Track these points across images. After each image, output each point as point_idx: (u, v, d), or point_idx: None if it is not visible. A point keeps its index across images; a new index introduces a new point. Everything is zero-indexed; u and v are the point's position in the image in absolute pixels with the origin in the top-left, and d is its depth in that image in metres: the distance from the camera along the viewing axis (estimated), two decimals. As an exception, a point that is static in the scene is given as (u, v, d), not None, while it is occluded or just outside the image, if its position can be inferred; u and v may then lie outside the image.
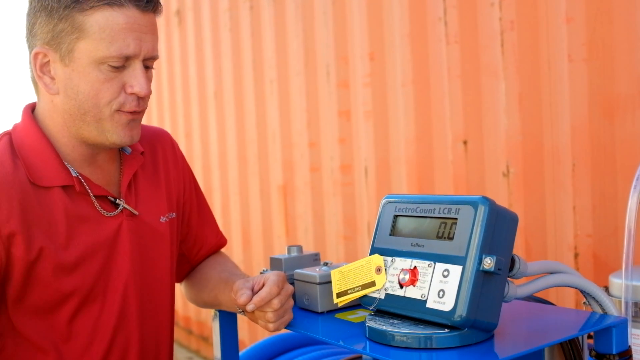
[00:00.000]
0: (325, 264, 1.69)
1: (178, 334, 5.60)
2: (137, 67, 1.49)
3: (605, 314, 1.46)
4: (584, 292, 1.48)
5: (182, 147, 5.24)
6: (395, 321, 1.36)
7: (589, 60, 2.32)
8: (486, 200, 1.29)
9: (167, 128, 5.55)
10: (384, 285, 1.40)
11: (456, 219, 1.32)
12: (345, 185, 3.48)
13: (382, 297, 1.40)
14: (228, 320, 1.84)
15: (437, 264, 1.32)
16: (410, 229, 1.43)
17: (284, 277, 1.55)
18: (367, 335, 1.39)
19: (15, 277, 1.46)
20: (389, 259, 1.42)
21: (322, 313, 1.62)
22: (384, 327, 1.34)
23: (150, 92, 1.52)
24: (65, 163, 1.53)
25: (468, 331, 1.29)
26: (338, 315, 1.60)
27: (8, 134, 1.55)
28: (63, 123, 1.52)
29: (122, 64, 1.47)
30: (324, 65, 3.57)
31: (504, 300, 1.34)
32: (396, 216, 1.46)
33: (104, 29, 1.44)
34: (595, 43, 2.30)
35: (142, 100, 1.52)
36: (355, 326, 1.50)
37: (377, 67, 3.20)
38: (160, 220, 1.68)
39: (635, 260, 1.71)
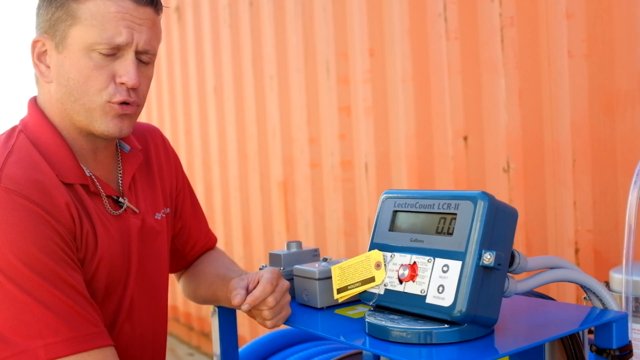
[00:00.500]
0: (325, 259, 1.68)
1: (179, 330, 5.61)
2: (128, 57, 1.48)
3: (605, 309, 1.46)
4: (584, 287, 1.48)
5: (182, 144, 5.25)
6: (395, 317, 1.36)
7: (589, 56, 2.31)
8: (485, 196, 1.29)
9: (167, 124, 5.55)
10: (383, 280, 1.40)
11: (455, 214, 1.32)
12: (346, 181, 3.48)
13: (382, 292, 1.40)
14: (227, 317, 1.84)
15: (436, 259, 1.32)
16: (409, 225, 1.42)
17: (279, 273, 1.54)
18: (366, 331, 1.38)
19: None
20: (389, 254, 1.42)
21: (321, 309, 1.62)
22: (383, 323, 1.33)
23: (139, 84, 1.50)
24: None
25: (468, 326, 1.28)
26: (338, 311, 1.60)
27: (20, 131, 1.52)
28: (59, 113, 1.52)
29: (113, 53, 1.47)
30: (324, 61, 3.57)
31: (504, 295, 1.34)
32: (395, 211, 1.46)
33: (95, 16, 1.44)
34: (595, 39, 2.30)
35: (133, 92, 1.51)
36: (354, 322, 1.50)
37: (377, 63, 3.20)
38: (157, 216, 1.69)
39: (635, 255, 1.71)
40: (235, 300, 1.50)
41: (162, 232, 1.69)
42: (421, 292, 1.32)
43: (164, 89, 5.62)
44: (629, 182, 1.71)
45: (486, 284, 1.27)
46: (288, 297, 1.56)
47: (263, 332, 2.73)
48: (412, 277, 1.34)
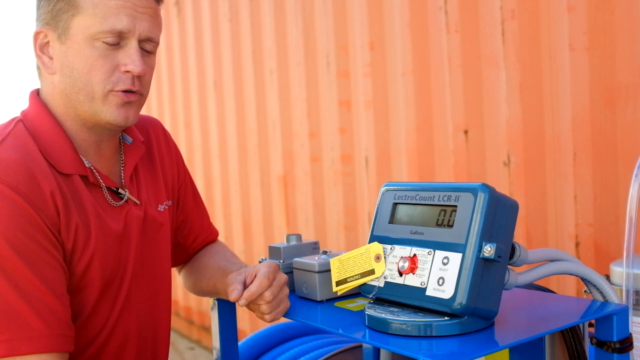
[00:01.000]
0: (325, 252, 1.68)
1: (179, 324, 5.61)
2: (132, 45, 1.49)
3: (606, 302, 1.46)
4: (585, 280, 1.47)
5: (182, 138, 5.24)
6: (395, 309, 1.36)
7: (590, 49, 2.31)
8: (486, 188, 1.28)
9: (167, 118, 5.55)
10: (383, 273, 1.40)
11: (456, 206, 1.31)
12: (346, 175, 3.47)
13: (382, 285, 1.39)
14: (227, 310, 1.84)
15: (436, 251, 1.31)
16: (409, 217, 1.42)
17: (276, 267, 1.54)
18: (366, 324, 1.38)
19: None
20: (389, 246, 1.41)
21: (321, 302, 1.62)
22: (383, 315, 1.33)
23: (144, 71, 1.51)
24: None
25: (468, 319, 1.28)
26: (337, 304, 1.59)
27: (20, 120, 1.52)
28: (63, 105, 1.52)
29: (116, 41, 1.47)
30: (324, 55, 3.56)
31: (504, 287, 1.33)
32: (395, 204, 1.45)
33: (97, 5, 1.45)
34: (596, 32, 2.29)
35: (138, 80, 1.51)
36: (354, 314, 1.50)
37: (377, 56, 3.19)
38: (159, 208, 1.68)
39: (636, 248, 1.70)
40: (233, 296, 1.50)
41: (165, 224, 1.69)
42: (421, 284, 1.32)
43: (164, 83, 5.61)
44: (630, 175, 1.71)
45: (486, 276, 1.27)
46: (286, 291, 1.55)
47: (263, 326, 2.73)
48: (412, 269, 1.34)
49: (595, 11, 2.29)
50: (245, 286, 1.52)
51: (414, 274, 1.34)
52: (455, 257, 1.28)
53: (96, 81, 1.48)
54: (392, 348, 1.29)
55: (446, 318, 1.28)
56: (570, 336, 1.53)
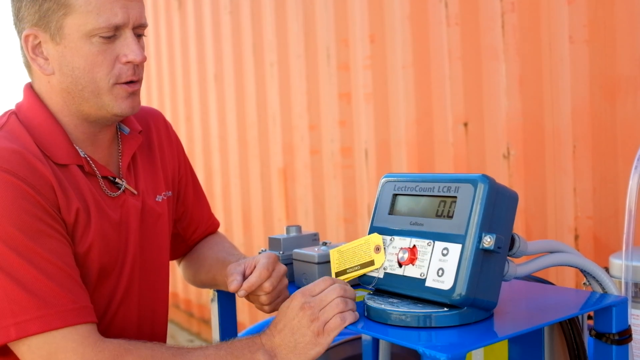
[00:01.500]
0: (324, 243, 1.68)
1: (179, 317, 5.62)
2: (128, 35, 1.49)
3: (605, 294, 1.46)
4: (584, 272, 1.48)
5: (183, 131, 5.24)
6: (394, 300, 1.36)
7: (590, 42, 2.31)
8: (486, 178, 1.29)
9: (168, 111, 5.54)
10: (382, 264, 1.40)
11: (456, 197, 1.32)
12: (346, 167, 3.47)
13: (381, 276, 1.40)
14: (226, 303, 1.84)
15: (436, 242, 1.32)
16: (409, 208, 1.42)
17: (275, 258, 1.54)
18: (365, 315, 1.38)
19: None
20: (388, 237, 1.41)
21: (321, 293, 1.62)
22: (382, 306, 1.33)
23: (145, 59, 1.52)
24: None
25: (467, 310, 1.28)
26: (337, 295, 1.59)
27: (13, 112, 1.53)
28: (63, 102, 1.52)
29: (112, 34, 1.47)
30: (324, 48, 3.55)
31: (504, 279, 1.34)
32: (395, 195, 1.46)
33: (89, 1, 1.44)
34: (596, 24, 2.29)
35: (138, 67, 1.52)
36: (354, 305, 1.50)
37: (377, 49, 3.18)
38: (157, 199, 1.68)
39: (635, 241, 1.71)
40: (232, 286, 1.50)
41: (163, 215, 1.69)
42: (421, 275, 1.32)
43: (165, 76, 5.61)
44: (630, 168, 1.71)
45: (486, 267, 1.27)
46: (285, 282, 1.56)
47: (262, 318, 2.73)
48: (412, 260, 1.34)
49: (595, 4, 2.28)
50: (244, 277, 1.52)
51: (413, 265, 1.34)
52: (455, 248, 1.28)
53: (100, 76, 1.48)
54: (392, 339, 1.30)
55: (445, 309, 1.28)
56: (569, 328, 1.53)
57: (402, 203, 1.44)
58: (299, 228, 1.80)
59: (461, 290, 1.25)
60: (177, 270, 1.98)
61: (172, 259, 1.89)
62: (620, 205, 2.28)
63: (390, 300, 1.36)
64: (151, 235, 1.65)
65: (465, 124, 2.75)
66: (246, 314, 4.35)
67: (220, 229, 1.99)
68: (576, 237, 2.39)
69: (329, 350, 2.03)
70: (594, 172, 2.33)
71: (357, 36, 3.31)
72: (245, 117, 4.42)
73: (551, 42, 2.42)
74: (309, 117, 3.74)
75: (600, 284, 1.47)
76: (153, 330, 1.69)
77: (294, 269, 1.69)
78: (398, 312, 1.31)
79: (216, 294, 1.83)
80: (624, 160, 2.25)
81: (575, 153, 2.37)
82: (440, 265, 1.29)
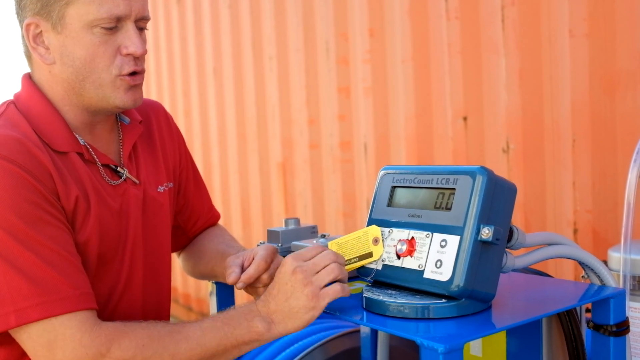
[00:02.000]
0: (323, 236, 1.68)
1: (178, 311, 5.62)
2: (129, 27, 1.49)
3: (603, 286, 1.46)
4: (583, 264, 1.48)
5: (181, 125, 5.23)
6: (393, 292, 1.36)
7: (590, 36, 2.30)
8: (484, 170, 1.29)
9: (167, 105, 5.54)
10: (381, 256, 1.40)
11: (454, 189, 1.32)
12: (345, 162, 3.47)
13: (380, 268, 1.40)
14: (225, 296, 1.84)
15: (434, 234, 1.32)
16: (407, 200, 1.42)
17: (273, 250, 1.54)
18: (364, 306, 1.38)
19: None
20: (387, 229, 1.41)
21: (319, 285, 1.62)
22: (381, 298, 1.33)
23: (146, 51, 1.52)
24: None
25: (465, 301, 1.28)
26: (335, 287, 1.59)
27: (12, 102, 1.53)
28: (64, 92, 1.52)
29: (114, 25, 1.46)
30: (324, 42, 3.55)
31: (502, 270, 1.34)
32: (394, 187, 1.46)
33: None
34: (596, 18, 2.29)
35: (139, 60, 1.52)
36: (352, 297, 1.49)
37: (377, 43, 3.18)
38: (159, 189, 1.68)
39: (634, 234, 1.71)
40: (230, 278, 1.51)
41: (165, 205, 1.68)
42: (419, 267, 1.32)
43: (164, 70, 5.60)
44: (629, 162, 1.71)
45: (484, 259, 1.27)
46: None
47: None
48: (410, 252, 1.34)
49: (595, -2, 2.29)
50: (243, 269, 1.52)
51: (411, 256, 1.34)
52: (453, 240, 1.28)
53: (101, 68, 1.48)
54: (390, 330, 1.30)
55: (444, 300, 1.29)
56: (567, 320, 1.53)
57: (401, 195, 1.44)
58: (297, 221, 1.80)
59: (459, 281, 1.25)
60: (175, 265, 1.98)
61: (173, 251, 1.89)
62: (620, 200, 2.28)
63: (389, 291, 1.37)
64: (153, 225, 1.65)
65: (465, 118, 2.75)
66: (245, 308, 4.34)
67: (220, 223, 1.99)
68: (575, 231, 2.39)
69: (328, 343, 2.03)
70: (593, 166, 2.33)
71: (356, 30, 3.31)
72: (244, 111, 4.41)
73: (551, 36, 2.42)
74: (308, 112, 3.73)
75: (599, 277, 1.47)
76: (157, 319, 1.69)
77: (293, 261, 1.68)
78: (396, 303, 1.31)
79: (215, 287, 1.83)
80: (623, 155, 2.25)
81: (575, 147, 2.37)
82: (439, 257, 1.29)
